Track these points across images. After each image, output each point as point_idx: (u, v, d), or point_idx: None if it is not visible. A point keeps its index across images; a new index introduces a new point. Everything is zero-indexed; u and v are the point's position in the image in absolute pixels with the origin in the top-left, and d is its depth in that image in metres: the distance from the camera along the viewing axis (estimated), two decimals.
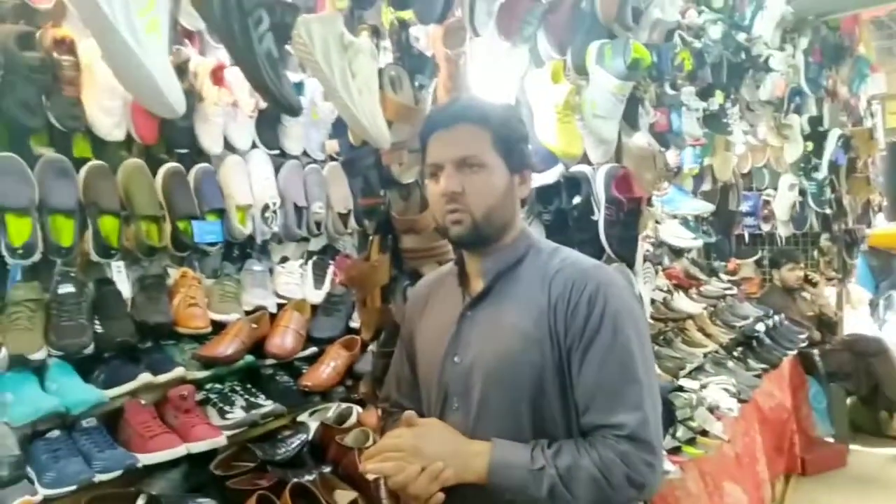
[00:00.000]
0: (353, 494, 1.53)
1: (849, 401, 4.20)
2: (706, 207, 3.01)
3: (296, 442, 1.72)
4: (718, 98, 2.98)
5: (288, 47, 1.35)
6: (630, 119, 2.15)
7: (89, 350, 1.64)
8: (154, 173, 1.93)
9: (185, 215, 1.95)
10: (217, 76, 2.06)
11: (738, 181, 3.82)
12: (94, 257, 1.77)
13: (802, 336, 3.76)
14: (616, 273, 1.34)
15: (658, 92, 2.35)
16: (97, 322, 1.70)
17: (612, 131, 2.05)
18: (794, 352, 3.69)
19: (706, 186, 3.47)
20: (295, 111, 1.27)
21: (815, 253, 4.40)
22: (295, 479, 1.50)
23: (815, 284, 4.16)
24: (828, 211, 4.19)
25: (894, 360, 4.08)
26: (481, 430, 1.15)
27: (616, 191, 2.02)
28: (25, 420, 1.47)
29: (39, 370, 1.59)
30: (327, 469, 1.68)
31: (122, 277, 1.85)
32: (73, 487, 1.40)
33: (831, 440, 3.95)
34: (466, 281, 1.26)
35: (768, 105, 3.63)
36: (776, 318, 3.73)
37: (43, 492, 1.37)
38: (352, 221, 2.46)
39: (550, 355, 1.14)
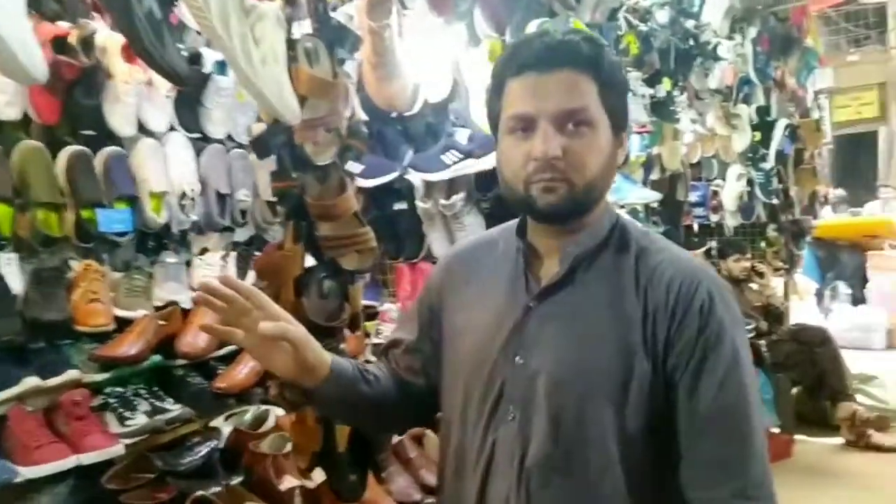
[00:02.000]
0: None
1: (794, 391, 4.22)
2: (654, 196, 2.94)
3: (204, 450, 1.57)
4: (666, 85, 2.91)
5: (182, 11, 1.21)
6: None
7: None
8: (55, 157, 1.77)
9: (90, 202, 1.81)
10: (128, 52, 1.89)
11: (687, 171, 3.77)
12: None
13: (750, 326, 3.74)
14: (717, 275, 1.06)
15: None
16: None
17: None
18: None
19: (654, 176, 3.41)
20: (181, 81, 1.13)
21: (763, 244, 4.39)
22: (199, 492, 1.36)
23: (761, 275, 4.15)
24: (775, 201, 4.19)
25: (838, 350, 4.11)
26: (540, 456, 0.94)
27: None
28: None
29: None
30: (237, 479, 1.54)
31: (11, 270, 1.68)
32: None
33: (777, 431, 3.95)
34: (533, 262, 1.02)
35: (717, 94, 3.58)
36: None
37: None
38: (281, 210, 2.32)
39: (644, 375, 0.92)
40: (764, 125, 4.04)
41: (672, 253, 1.00)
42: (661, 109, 2.96)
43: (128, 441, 1.52)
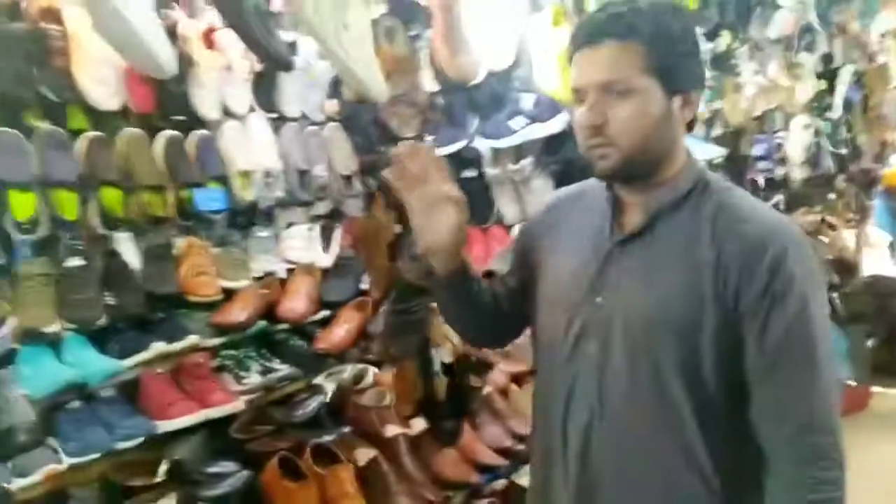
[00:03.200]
0: (372, 452, 1.54)
1: (869, 343, 4.16)
2: (719, 152, 2.94)
3: (313, 404, 1.72)
4: (726, 38, 2.90)
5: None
6: None
7: (102, 322, 1.65)
8: (151, 142, 1.90)
9: (188, 183, 1.94)
10: (208, 39, 2.01)
11: (750, 124, 3.72)
12: (100, 230, 1.77)
13: (828, 279, 3.71)
14: (800, 230, 1.10)
15: None
16: (108, 294, 1.70)
17: None
18: None
19: (717, 131, 3.39)
20: (288, 66, 1.24)
21: (832, 195, 4.31)
22: (315, 440, 1.50)
23: (833, 227, 4.09)
24: (843, 151, 4.09)
25: None
26: (616, 389, 1.04)
27: None
28: (45, 392, 1.49)
29: (54, 344, 1.60)
30: (346, 429, 1.67)
31: (129, 249, 1.84)
32: (97, 455, 1.42)
33: (853, 383, 3.92)
34: (619, 213, 1.10)
35: (777, 43, 3.52)
36: None
37: (68, 460, 1.39)
38: (356, 183, 2.44)
39: (714, 320, 0.99)
40: (829, 73, 3.95)
41: (752, 208, 1.06)
42: (722, 63, 2.95)
43: (245, 397, 1.66)
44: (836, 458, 0.99)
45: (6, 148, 1.56)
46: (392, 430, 1.63)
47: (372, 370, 1.92)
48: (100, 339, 1.67)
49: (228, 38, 2.00)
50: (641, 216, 1.06)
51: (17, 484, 1.31)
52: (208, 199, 2.01)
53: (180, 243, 1.99)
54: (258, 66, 2.12)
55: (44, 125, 1.65)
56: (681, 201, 1.05)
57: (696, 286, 1.00)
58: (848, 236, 4.37)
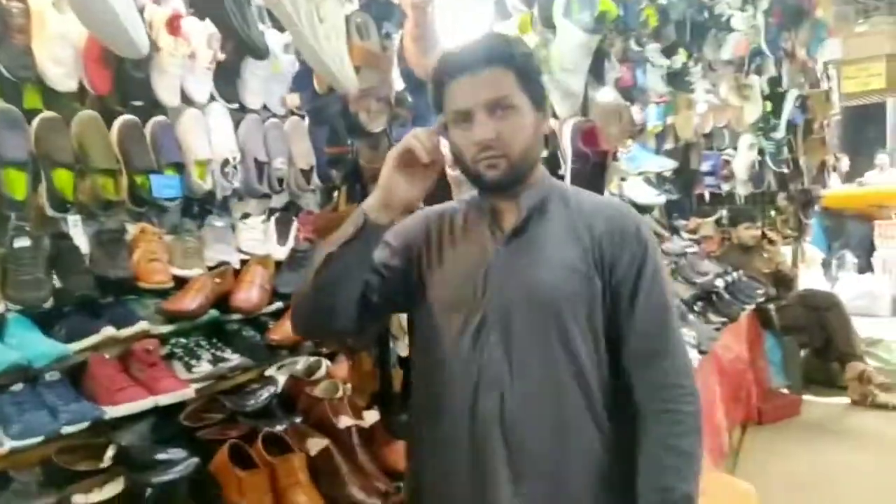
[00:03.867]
0: (324, 442, 1.54)
1: (802, 353, 4.35)
2: (670, 164, 3.05)
3: (265, 394, 1.71)
4: (682, 56, 3.01)
5: None
6: (596, 73, 2.16)
7: (48, 304, 1.61)
8: (108, 126, 1.86)
9: (143, 169, 1.91)
10: (173, 25, 1.98)
11: (700, 140, 3.87)
12: (49, 211, 1.73)
13: (760, 291, 3.87)
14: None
15: (623, 47, 2.36)
16: (55, 277, 1.66)
17: (579, 85, 2.06)
18: (752, 306, 3.80)
19: (668, 145, 3.51)
20: (263, 54, 1.24)
21: (773, 212, 4.49)
22: (266, 429, 1.50)
23: (772, 242, 4.26)
24: (785, 171, 4.28)
25: (847, 314, 4.23)
26: (524, 368, 1.16)
27: (583, 144, 2.04)
28: None
29: None
30: (297, 419, 1.67)
31: (78, 232, 1.80)
32: (40, 439, 1.38)
33: (786, 391, 4.09)
34: (497, 219, 1.24)
35: (729, 65, 3.67)
36: (735, 274, 3.83)
37: (9, 443, 1.35)
38: (315, 178, 2.44)
39: (598, 290, 1.17)
40: (775, 96, 4.13)
41: (602, 199, 1.30)
42: (677, 80, 3.06)
43: (196, 385, 1.65)
44: (691, 394, 1.20)
45: None
46: (345, 421, 1.63)
47: (325, 363, 1.92)
48: (46, 323, 1.63)
49: (193, 26, 1.99)
50: (516, 217, 1.21)
51: None
52: (164, 185, 1.98)
53: (132, 229, 1.96)
54: (221, 56, 2.12)
55: None
56: (546, 198, 1.22)
57: (577, 264, 1.17)
58: (786, 252, 4.56)
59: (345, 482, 1.51)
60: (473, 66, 1.15)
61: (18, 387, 1.48)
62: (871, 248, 7.15)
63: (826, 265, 7.09)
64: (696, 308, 3.35)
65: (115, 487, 1.38)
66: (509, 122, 1.14)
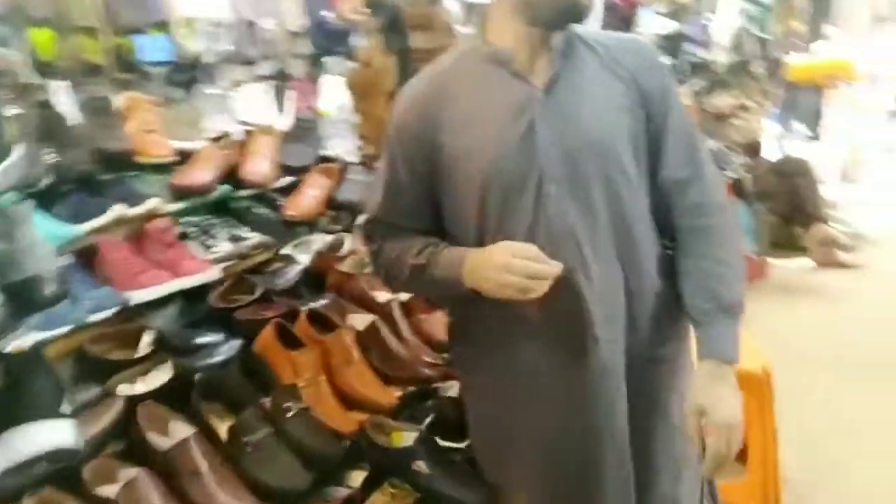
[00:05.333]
0: (370, 317, 1.46)
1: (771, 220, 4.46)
2: (673, 26, 2.92)
3: (293, 272, 1.60)
4: None
5: None
6: None
7: (45, 182, 1.43)
8: None
9: (128, 28, 1.70)
10: None
11: (692, 3, 3.70)
12: (28, 77, 1.51)
13: (740, 160, 3.88)
14: None
15: None
16: (47, 151, 1.47)
17: None
18: (733, 174, 3.83)
19: (662, 8, 3.35)
20: None
21: (749, 79, 4.44)
22: (310, 305, 1.41)
23: (747, 109, 4.24)
24: (770, 38, 4.19)
25: (815, 180, 4.33)
26: (588, 209, 1.12)
27: None
28: None
29: None
30: (333, 296, 1.59)
31: (65, 101, 1.59)
32: (65, 329, 1.25)
33: (753, 256, 4.22)
34: (519, 70, 1.14)
35: None
36: (713, 144, 3.81)
37: (34, 335, 1.21)
38: (302, 44, 2.23)
39: (643, 121, 1.16)
40: None
41: (614, 34, 1.29)
42: None
43: (221, 265, 1.53)
44: (726, 208, 1.23)
45: None
46: (384, 295, 1.55)
47: (347, 238, 1.81)
48: (44, 203, 1.45)
49: None
50: (550, 62, 1.13)
51: None
52: (152, 47, 1.78)
53: (117, 100, 1.75)
54: None
55: None
56: (570, 42, 1.16)
57: (622, 101, 1.15)
58: (756, 121, 4.56)
59: (396, 356, 1.45)
60: None
61: None
62: (818, 117, 7.27)
63: (779, 135, 7.21)
64: None
65: (159, 376, 1.28)
66: None
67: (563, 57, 1.14)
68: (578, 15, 1.12)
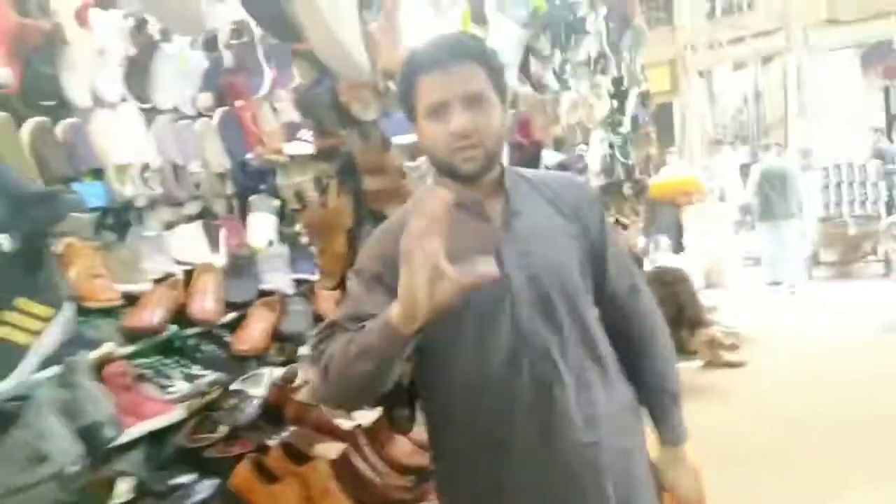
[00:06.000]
0: (339, 445, 1.48)
1: None
2: (560, 157, 3.26)
3: (253, 406, 1.60)
4: (558, 57, 3.21)
5: None
6: (523, 68, 2.26)
7: None
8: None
9: (62, 178, 1.72)
10: (81, 17, 1.81)
11: (568, 136, 4.14)
12: None
13: None
14: None
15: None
16: None
17: (511, 79, 2.14)
18: None
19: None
20: None
21: (621, 200, 4.93)
22: (282, 439, 1.41)
23: (625, 227, 4.68)
24: (630, 163, 4.72)
25: (693, 287, 4.77)
26: (558, 328, 1.21)
27: (519, 135, 2.13)
28: None
29: None
30: (291, 429, 1.59)
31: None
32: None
33: None
34: None
35: (584, 65, 3.98)
36: None
37: None
38: (229, 183, 2.31)
39: (586, 250, 1.27)
40: (619, 94, 4.54)
41: (550, 172, 1.55)
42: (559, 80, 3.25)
43: (183, 405, 1.51)
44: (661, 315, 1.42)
45: None
46: (347, 423, 1.58)
47: (299, 368, 1.83)
48: None
49: (104, 19, 1.82)
50: (501, 202, 1.25)
51: None
52: (88, 194, 1.80)
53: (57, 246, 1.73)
54: (132, 51, 1.96)
55: None
56: (516, 182, 1.28)
57: (571, 230, 1.27)
58: (634, 235, 5.03)
59: (369, 482, 1.47)
60: (446, 61, 1.17)
61: None
62: (680, 231, 8.07)
63: (645, 249, 7.89)
64: None
65: None
66: (484, 114, 1.18)
67: (513, 195, 1.26)
68: (460, 177, 1.20)
